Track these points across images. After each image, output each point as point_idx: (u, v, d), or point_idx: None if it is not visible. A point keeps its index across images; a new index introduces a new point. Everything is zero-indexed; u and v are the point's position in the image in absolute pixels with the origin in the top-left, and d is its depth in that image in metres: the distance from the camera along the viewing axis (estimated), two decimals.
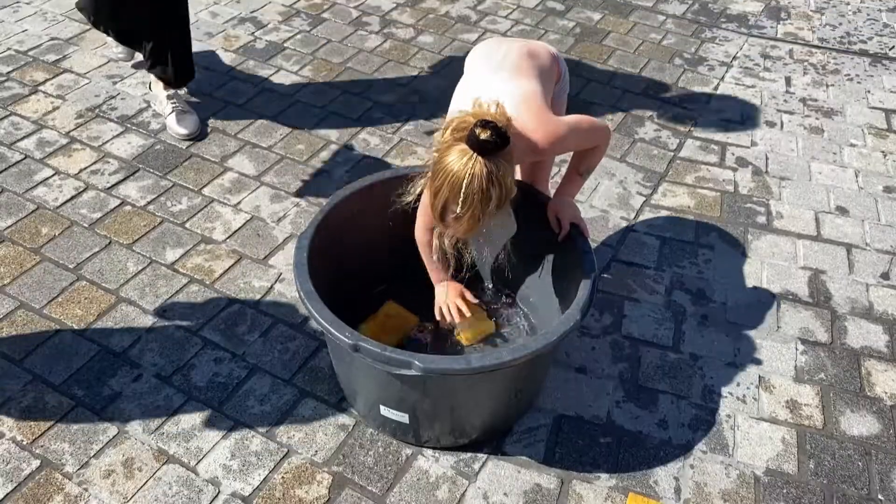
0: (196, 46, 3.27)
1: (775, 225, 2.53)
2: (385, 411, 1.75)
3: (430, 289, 1.99)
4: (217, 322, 2.12)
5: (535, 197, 1.95)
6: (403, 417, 1.74)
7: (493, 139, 1.44)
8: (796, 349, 2.12)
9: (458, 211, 1.49)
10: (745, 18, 3.77)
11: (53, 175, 2.59)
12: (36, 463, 1.77)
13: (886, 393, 2.01)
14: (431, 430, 1.80)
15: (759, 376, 2.05)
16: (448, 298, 1.92)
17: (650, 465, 1.83)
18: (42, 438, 1.82)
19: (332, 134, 2.84)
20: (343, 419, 1.90)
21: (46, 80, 3.04)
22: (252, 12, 3.58)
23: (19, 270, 2.24)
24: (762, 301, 2.26)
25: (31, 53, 3.19)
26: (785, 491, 1.78)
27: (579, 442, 1.88)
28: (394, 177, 1.95)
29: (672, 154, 2.84)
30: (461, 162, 1.45)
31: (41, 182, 2.55)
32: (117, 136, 2.77)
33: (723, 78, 3.29)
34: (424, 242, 1.90)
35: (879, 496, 1.78)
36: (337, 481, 1.76)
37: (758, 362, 2.08)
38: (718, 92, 3.20)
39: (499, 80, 1.72)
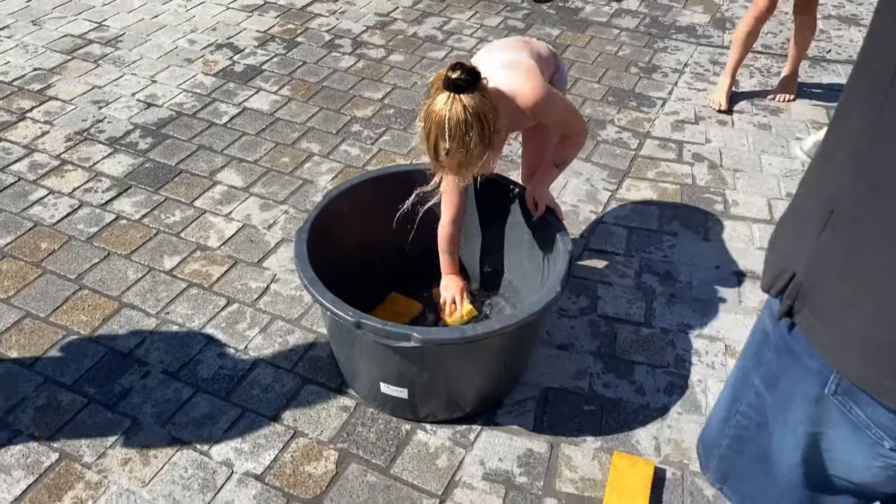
0: (176, 72, 3.41)
1: (732, 212, 2.74)
2: (385, 388, 1.89)
3: (427, 283, 2.14)
4: (218, 321, 2.24)
5: (514, 190, 2.12)
6: (402, 393, 1.88)
7: (463, 76, 1.63)
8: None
9: (446, 146, 1.67)
10: (694, 29, 4.03)
11: (48, 194, 2.69)
12: (55, 456, 1.86)
13: None
14: (428, 405, 1.93)
15: (726, 345, 2.22)
16: (449, 292, 2.09)
17: (631, 428, 1.99)
18: (59, 433, 1.91)
19: (314, 147, 2.99)
20: (344, 401, 2.02)
21: (33, 108, 3.15)
22: (228, 38, 3.73)
23: (22, 283, 2.33)
24: (724, 279, 2.45)
25: (15, 83, 3.30)
26: None
27: (565, 410, 2.03)
28: (384, 174, 2.11)
29: (633, 153, 3.04)
30: (442, 102, 1.65)
31: (36, 201, 2.66)
32: (107, 156, 2.89)
33: (676, 83, 3.53)
34: (445, 235, 2.08)
35: None
36: (343, 457, 1.89)
37: (723, 333, 2.26)
38: (673, 96, 3.43)
39: (492, 56, 1.92)
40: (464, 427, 1.97)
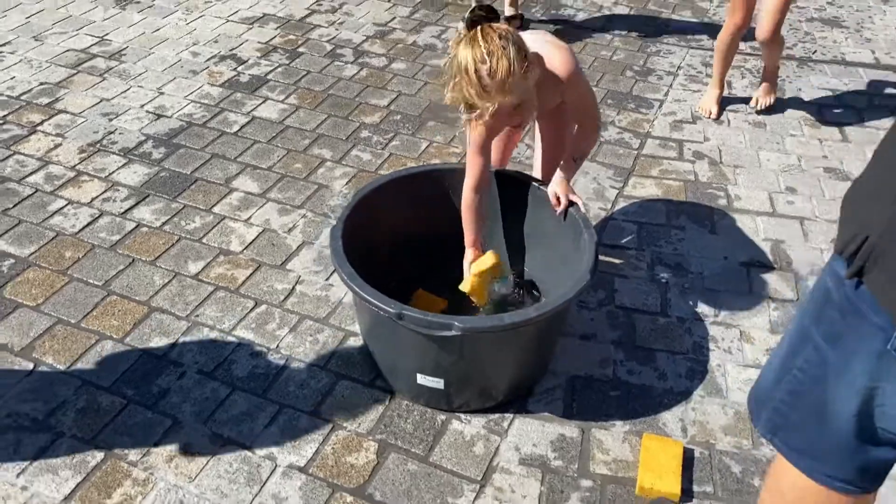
0: (182, 83, 3.46)
1: (735, 205, 2.84)
2: (421, 379, 1.95)
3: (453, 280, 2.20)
4: (248, 322, 2.28)
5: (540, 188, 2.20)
6: (438, 383, 1.94)
7: (480, 12, 1.73)
8: (768, 307, 2.40)
9: (487, 64, 1.70)
10: (684, 33, 4.15)
11: (67, 205, 2.72)
12: (100, 455, 1.90)
13: None
14: (462, 395, 2.00)
15: (740, 331, 2.31)
16: (467, 265, 2.14)
17: (657, 411, 2.07)
18: (102, 434, 1.95)
19: (326, 153, 3.05)
20: (379, 395, 2.08)
21: (43, 121, 3.17)
22: (231, 50, 3.78)
23: (50, 290, 2.36)
24: (733, 269, 2.55)
25: (23, 98, 3.32)
26: None
27: (592, 397, 2.10)
28: (409, 174, 2.18)
29: (636, 152, 3.14)
30: (465, 48, 1.74)
31: (56, 212, 2.69)
32: (122, 167, 2.93)
33: (671, 85, 3.64)
34: (469, 203, 2.10)
35: None
36: (382, 447, 1.94)
37: (737, 320, 2.35)
38: (669, 97, 3.54)
39: (529, 36, 1.97)
40: (497, 415, 2.04)
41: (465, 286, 2.10)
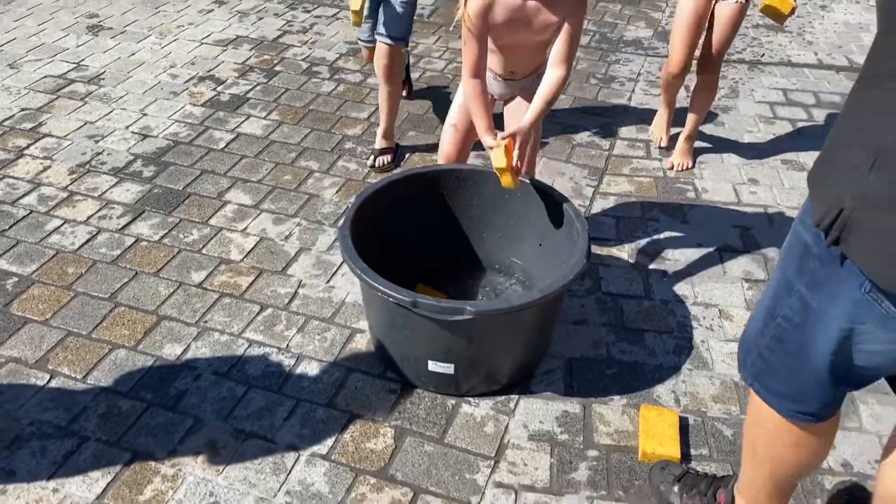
0: (164, 104, 3.54)
1: (703, 198, 3.03)
2: (433, 366, 2.06)
3: (452, 277, 2.33)
4: (256, 325, 2.37)
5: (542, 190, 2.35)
6: (449, 368, 2.06)
7: None
8: (743, 287, 2.58)
9: None
10: (640, 42, 4.38)
11: (63, 224, 2.77)
12: (127, 455, 1.96)
13: None
14: (470, 379, 2.12)
15: (719, 310, 2.49)
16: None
17: (651, 385, 2.22)
18: (126, 436, 2.01)
19: (313, 164, 3.16)
20: (390, 385, 2.19)
21: (29, 145, 3.22)
22: (208, 71, 3.87)
23: (57, 305, 2.41)
24: (707, 255, 2.73)
25: (6, 124, 3.36)
26: None
27: (590, 376, 2.24)
28: (408, 176, 2.31)
29: (607, 153, 3.32)
30: None
31: (53, 230, 2.73)
32: (114, 185, 2.99)
33: (633, 90, 3.85)
34: (471, 91, 2.11)
35: None
36: (399, 432, 2.05)
37: (715, 300, 2.53)
38: (632, 102, 3.74)
39: None
40: (503, 398, 2.16)
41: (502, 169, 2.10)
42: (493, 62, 2.24)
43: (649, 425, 2.05)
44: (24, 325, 2.34)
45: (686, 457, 2.01)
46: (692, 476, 1.87)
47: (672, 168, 3.21)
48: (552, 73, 2.14)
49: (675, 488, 1.84)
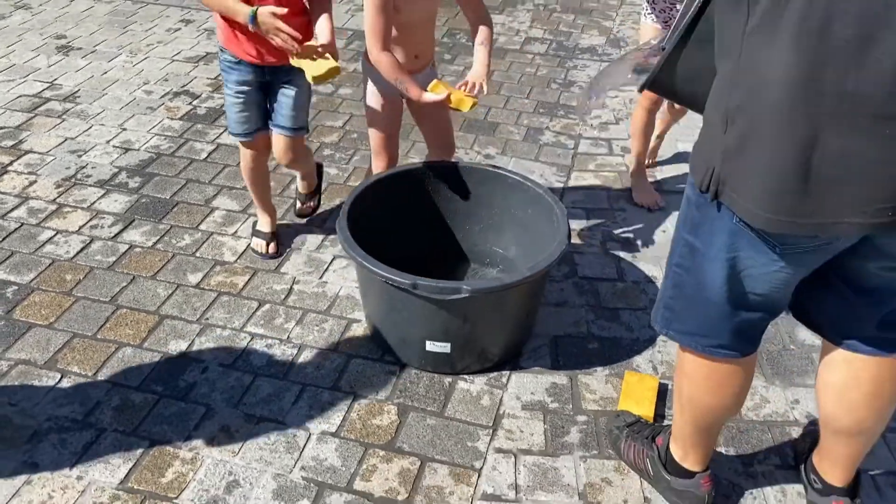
0: (142, 119, 3.64)
1: (664, 188, 3.26)
2: (430, 346, 2.21)
3: (440, 271, 2.48)
4: (256, 319, 2.49)
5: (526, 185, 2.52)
6: (446, 347, 2.21)
7: None
8: None
9: None
10: (595, 49, 4.63)
11: (56, 234, 2.84)
12: (145, 443, 2.06)
13: None
14: (464, 359, 2.27)
15: None
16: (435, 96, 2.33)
17: (630, 356, 2.40)
18: (142, 426, 2.11)
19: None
20: (389, 367, 2.32)
21: (12, 161, 3.28)
22: (182, 87, 3.97)
23: (60, 310, 2.49)
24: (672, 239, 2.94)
25: None
26: None
27: (574, 350, 2.41)
28: (396, 173, 2.47)
29: (572, 151, 3.53)
30: None
31: (47, 241, 2.81)
32: (101, 197, 3.07)
33: None
34: (387, 63, 2.27)
35: (791, 346, 2.44)
36: (402, 409, 2.19)
37: None
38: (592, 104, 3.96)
39: None
40: (495, 374, 2.32)
41: (463, 105, 2.31)
42: (398, 53, 2.35)
43: (630, 388, 2.23)
44: (28, 330, 2.41)
45: (661, 417, 2.19)
46: (640, 424, 2.07)
47: (643, 206, 3.13)
48: (484, 29, 2.44)
49: (624, 433, 2.04)
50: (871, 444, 1.75)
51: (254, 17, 2.21)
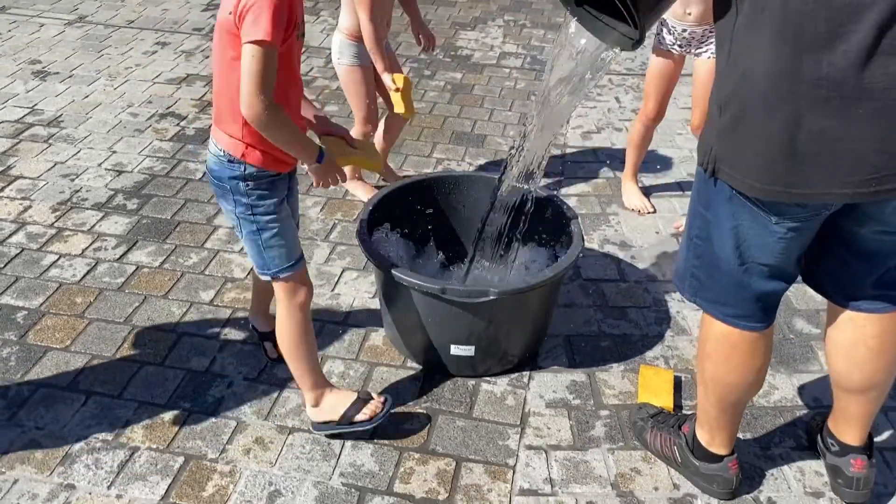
0: (132, 142, 3.63)
1: (653, 193, 3.38)
2: (455, 349, 2.27)
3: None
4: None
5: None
6: (469, 350, 2.27)
7: None
8: None
9: None
10: None
11: (59, 258, 2.82)
12: (181, 459, 2.06)
13: None
14: (486, 361, 2.33)
15: None
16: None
17: (642, 352, 2.50)
18: (174, 442, 2.11)
19: None
20: (412, 373, 2.38)
21: (3, 187, 3.23)
22: (168, 108, 3.97)
23: (74, 332, 2.48)
24: (667, 240, 3.06)
25: None
26: None
27: (588, 349, 2.50)
28: (408, 184, 2.53)
29: (561, 160, 3.64)
30: None
31: (51, 265, 2.78)
32: (101, 219, 3.06)
33: None
34: (373, 32, 2.78)
35: (790, 335, 2.57)
36: (430, 412, 2.24)
37: None
38: (573, 114, 4.09)
39: None
40: (516, 375, 2.39)
41: (398, 106, 2.88)
42: (377, 20, 2.80)
43: (647, 381, 2.33)
44: (45, 354, 2.39)
45: (679, 408, 2.29)
46: (664, 414, 2.16)
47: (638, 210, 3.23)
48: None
49: (649, 423, 2.13)
50: (880, 401, 1.90)
51: (321, 155, 1.89)
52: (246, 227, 1.93)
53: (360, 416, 2.08)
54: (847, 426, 1.95)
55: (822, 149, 1.43)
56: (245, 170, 1.86)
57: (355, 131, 3.04)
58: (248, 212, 1.91)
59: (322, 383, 2.11)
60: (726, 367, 1.83)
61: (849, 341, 1.82)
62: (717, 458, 1.96)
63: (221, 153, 1.87)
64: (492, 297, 2.10)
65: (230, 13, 1.68)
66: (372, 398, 2.11)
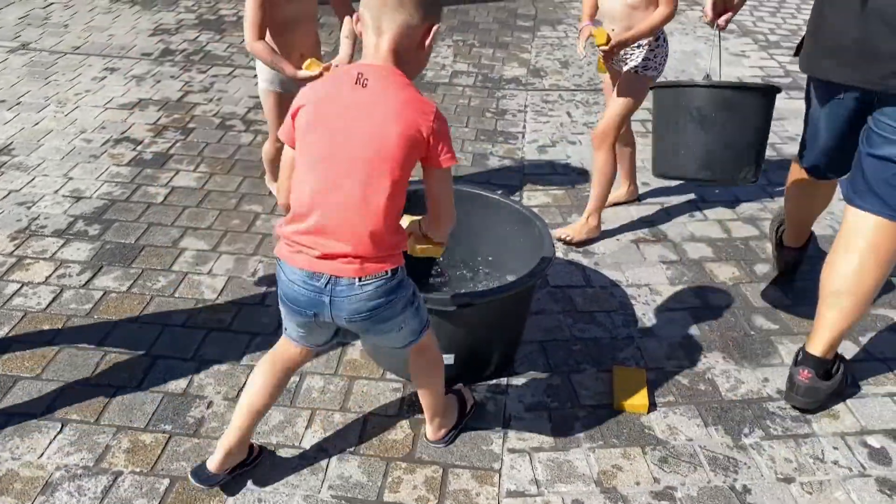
0: (87, 167, 3.58)
1: (612, 201, 3.50)
2: None
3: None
4: (251, 350, 2.51)
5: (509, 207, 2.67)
6: (450, 359, 2.31)
7: None
8: (662, 268, 3.03)
9: None
10: (518, 79, 4.90)
11: (22, 286, 2.76)
12: (166, 481, 2.04)
13: (726, 276, 2.98)
14: (465, 369, 2.38)
15: (650, 289, 2.91)
16: None
17: (613, 353, 2.58)
18: (158, 464, 2.09)
19: (256, 208, 3.32)
20: (392, 385, 2.40)
21: None
22: (122, 134, 3.93)
23: (45, 360, 2.43)
24: (627, 246, 3.17)
25: None
26: (700, 347, 2.63)
27: (561, 353, 2.57)
28: None
29: (520, 173, 3.73)
30: None
31: (14, 294, 2.72)
32: (62, 246, 3.00)
33: (525, 119, 4.31)
34: (262, 50, 2.73)
35: (751, 332, 2.69)
36: (413, 423, 2.27)
37: (644, 280, 2.95)
38: (527, 129, 4.20)
39: None
40: (494, 382, 2.44)
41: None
42: (285, 53, 2.77)
43: (622, 381, 2.41)
44: (15, 384, 2.34)
45: (654, 405, 2.37)
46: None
47: (564, 236, 3.14)
48: (349, 20, 2.69)
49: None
50: (855, 314, 2.15)
51: None
52: (410, 310, 1.85)
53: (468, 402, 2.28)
54: (814, 333, 2.22)
55: (833, 44, 2.09)
56: (403, 269, 1.81)
57: (266, 148, 3.25)
58: (411, 294, 1.85)
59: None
60: (795, 204, 2.74)
61: (846, 232, 2.17)
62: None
63: (382, 277, 1.73)
64: (473, 305, 2.15)
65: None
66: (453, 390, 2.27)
